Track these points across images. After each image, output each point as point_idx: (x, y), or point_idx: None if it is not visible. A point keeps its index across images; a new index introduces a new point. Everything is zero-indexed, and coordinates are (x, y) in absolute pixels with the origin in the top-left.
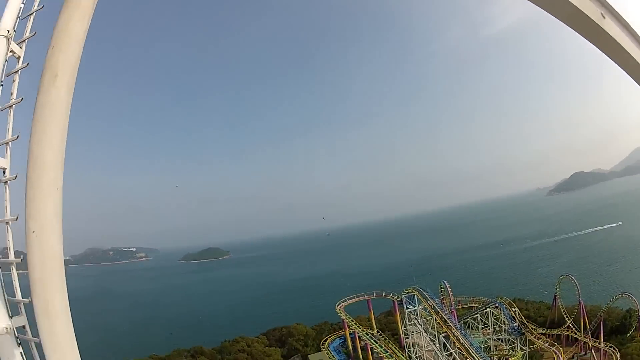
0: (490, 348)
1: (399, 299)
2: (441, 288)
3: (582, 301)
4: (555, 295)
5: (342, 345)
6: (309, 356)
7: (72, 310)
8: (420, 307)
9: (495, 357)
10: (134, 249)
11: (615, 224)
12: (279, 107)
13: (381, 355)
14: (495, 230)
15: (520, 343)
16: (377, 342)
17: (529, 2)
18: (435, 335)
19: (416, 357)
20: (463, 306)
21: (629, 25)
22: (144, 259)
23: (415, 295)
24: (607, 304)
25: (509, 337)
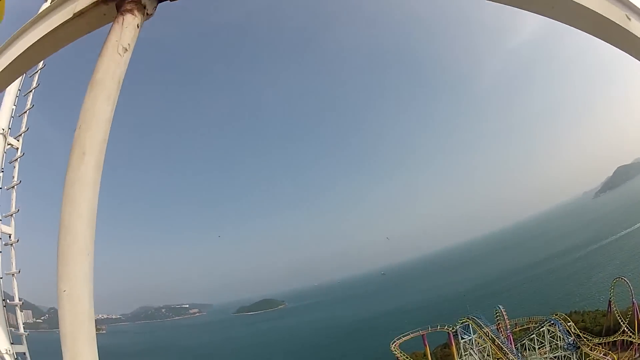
0: None
1: (454, 330)
2: (496, 313)
3: (635, 302)
4: (610, 301)
5: None
6: None
7: None
8: (475, 335)
9: None
10: (187, 305)
11: None
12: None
13: None
14: (547, 245)
15: (576, 357)
16: None
17: (553, 20)
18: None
19: None
20: (520, 328)
21: None
22: (197, 314)
23: (470, 325)
24: None
25: (565, 353)
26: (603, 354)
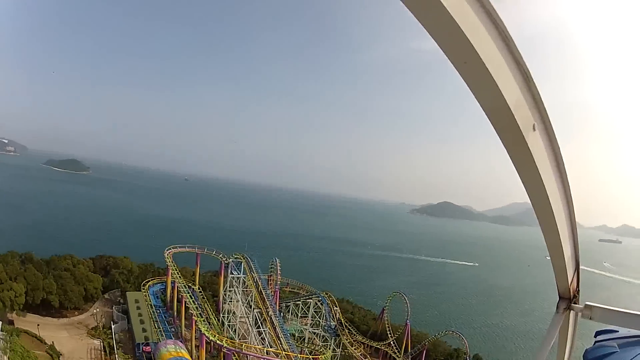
0: (305, 339)
1: (227, 262)
2: (271, 265)
3: (409, 323)
4: (384, 309)
5: (161, 292)
6: (127, 293)
7: None
8: (243, 275)
9: (306, 349)
10: (6, 141)
11: (471, 264)
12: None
13: (191, 311)
14: (353, 229)
15: (334, 343)
16: (192, 298)
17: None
18: (251, 308)
19: (229, 325)
20: (290, 289)
21: (554, 138)
22: (12, 153)
23: (243, 263)
24: (435, 335)
25: (324, 333)
26: (361, 354)
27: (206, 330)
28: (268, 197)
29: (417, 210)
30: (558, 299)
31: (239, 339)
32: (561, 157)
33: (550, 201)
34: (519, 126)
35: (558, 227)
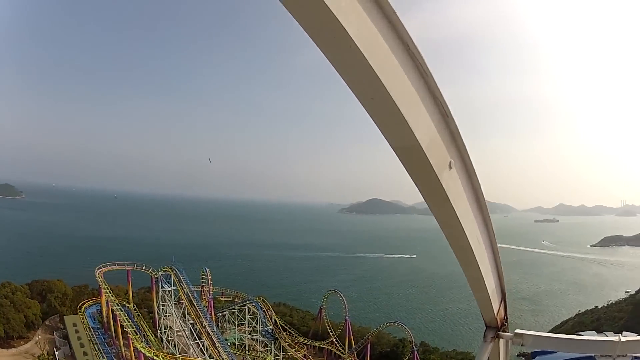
0: (245, 346)
1: (156, 276)
2: (202, 275)
3: (348, 319)
4: (321, 308)
5: (98, 313)
6: (64, 317)
7: None
8: (174, 288)
9: (249, 357)
10: None
11: (408, 256)
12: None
13: (127, 330)
14: (284, 233)
15: (274, 348)
16: (127, 316)
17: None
18: (186, 321)
19: (167, 340)
20: (226, 299)
21: (473, 174)
22: None
23: (172, 276)
24: (377, 328)
25: (264, 339)
26: (303, 355)
27: (143, 348)
28: (199, 208)
29: (347, 209)
30: (485, 327)
31: (180, 353)
32: (481, 191)
33: (469, 238)
34: (432, 165)
35: (478, 261)
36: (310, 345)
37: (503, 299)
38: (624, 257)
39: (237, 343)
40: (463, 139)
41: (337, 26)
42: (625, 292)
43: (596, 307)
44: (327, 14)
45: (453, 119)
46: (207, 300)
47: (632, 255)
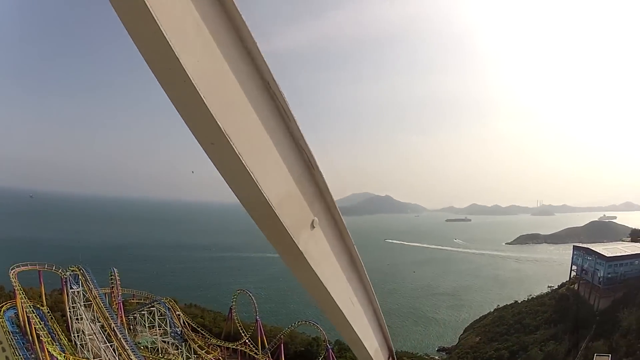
0: (158, 349)
1: (65, 276)
2: (111, 276)
3: (259, 319)
4: (231, 308)
5: (16, 316)
6: None
7: None
8: (81, 289)
9: (163, 359)
10: None
11: None
12: None
13: (39, 332)
14: (196, 233)
15: (185, 349)
16: (39, 320)
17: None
18: (95, 323)
19: (81, 344)
20: (137, 301)
21: (344, 230)
22: None
23: (79, 276)
24: (289, 327)
25: (174, 341)
26: (213, 357)
27: (58, 354)
28: (116, 209)
29: None
30: None
31: (94, 357)
32: (354, 249)
33: (339, 301)
34: (286, 227)
35: (353, 323)
36: (224, 347)
37: (390, 355)
38: (542, 254)
39: (149, 346)
40: (331, 194)
41: (169, 53)
42: (548, 286)
43: (516, 301)
44: (156, 34)
45: (320, 172)
46: (116, 302)
47: (550, 252)
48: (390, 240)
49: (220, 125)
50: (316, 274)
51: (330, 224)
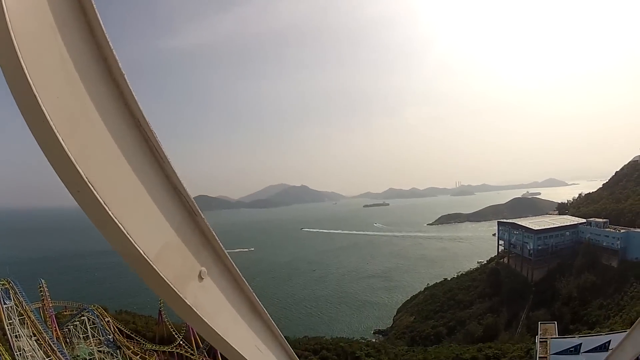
0: None
1: None
2: (40, 288)
3: None
4: (160, 310)
5: None
6: None
7: None
8: (12, 303)
9: None
10: None
11: (247, 249)
12: None
13: None
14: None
15: (121, 357)
16: None
17: None
18: (31, 338)
19: None
20: (70, 312)
21: (239, 277)
22: None
23: (9, 290)
24: None
25: (109, 349)
26: None
27: None
28: (36, 220)
29: None
30: None
31: None
32: (252, 294)
33: (244, 351)
34: (168, 281)
35: None
36: (160, 351)
37: None
38: (466, 232)
39: (87, 358)
40: (219, 242)
41: (27, 88)
42: (478, 262)
43: (445, 279)
44: (16, 67)
45: (202, 218)
46: (49, 315)
47: (474, 230)
48: (307, 230)
49: (81, 171)
50: (212, 328)
51: (222, 273)
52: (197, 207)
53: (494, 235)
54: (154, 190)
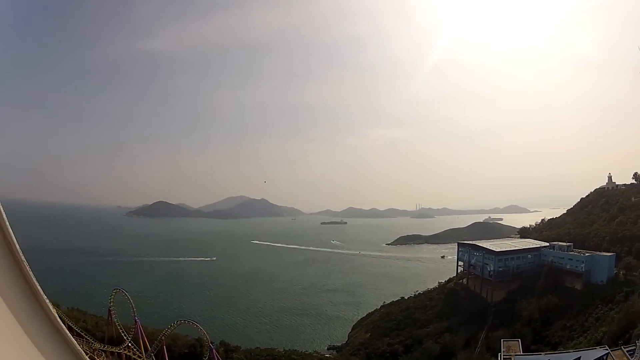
0: None
1: None
2: None
3: (138, 320)
4: (110, 310)
5: None
6: None
7: None
8: None
9: None
10: None
11: (209, 258)
12: None
13: None
14: (74, 237)
15: None
16: None
17: None
18: None
19: None
20: None
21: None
22: None
23: None
24: (168, 327)
25: None
26: None
27: None
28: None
29: (134, 212)
30: None
31: None
32: None
33: None
34: None
35: None
36: (108, 351)
37: None
38: (425, 253)
39: None
40: None
41: None
42: (438, 282)
43: (402, 297)
44: None
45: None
46: None
47: (433, 252)
48: (256, 242)
49: None
50: None
51: None
52: (66, 331)
53: (442, 257)
54: (21, 316)
